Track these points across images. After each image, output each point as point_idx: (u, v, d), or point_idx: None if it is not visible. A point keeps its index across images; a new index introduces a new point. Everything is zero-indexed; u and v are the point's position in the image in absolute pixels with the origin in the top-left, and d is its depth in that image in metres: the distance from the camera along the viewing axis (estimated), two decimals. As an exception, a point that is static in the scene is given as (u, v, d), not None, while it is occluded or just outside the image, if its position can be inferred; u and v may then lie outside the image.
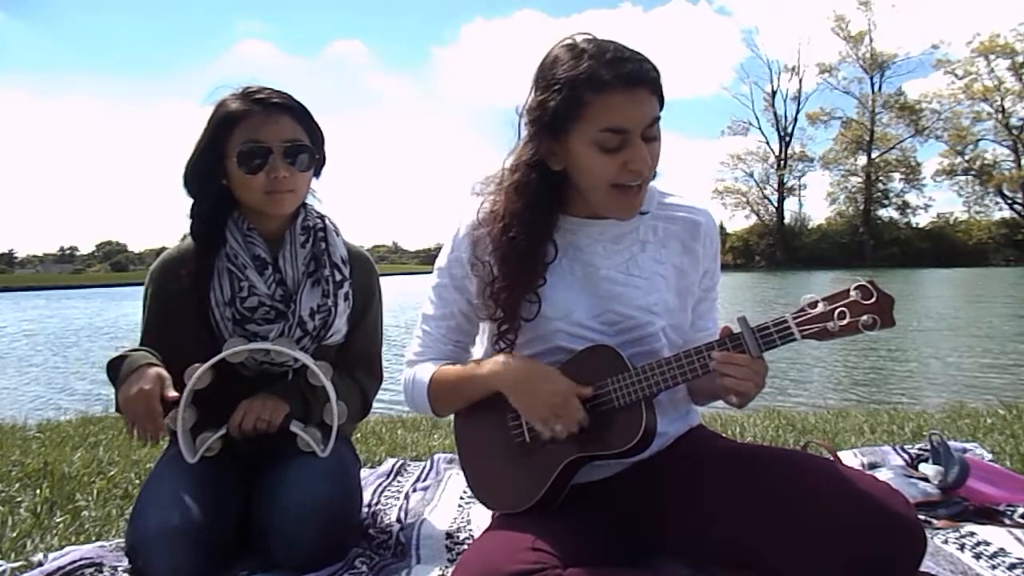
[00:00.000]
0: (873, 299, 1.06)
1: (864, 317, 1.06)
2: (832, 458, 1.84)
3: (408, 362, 1.45)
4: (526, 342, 1.33)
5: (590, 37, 1.21)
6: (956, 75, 44.28)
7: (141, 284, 1.65)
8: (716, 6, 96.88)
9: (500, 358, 1.30)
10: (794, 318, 1.11)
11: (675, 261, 1.33)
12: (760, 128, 50.70)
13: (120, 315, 18.69)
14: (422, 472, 2.22)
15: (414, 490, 2.02)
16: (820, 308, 1.09)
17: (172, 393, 1.37)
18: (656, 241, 1.33)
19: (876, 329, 1.06)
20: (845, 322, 1.07)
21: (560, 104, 1.18)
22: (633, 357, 1.24)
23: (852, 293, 1.08)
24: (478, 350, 1.44)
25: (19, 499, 2.01)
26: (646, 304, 1.30)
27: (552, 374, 1.25)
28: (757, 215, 50.74)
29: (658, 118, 1.20)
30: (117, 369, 1.42)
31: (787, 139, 49.33)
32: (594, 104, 1.16)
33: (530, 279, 1.29)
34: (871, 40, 46.97)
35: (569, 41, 1.22)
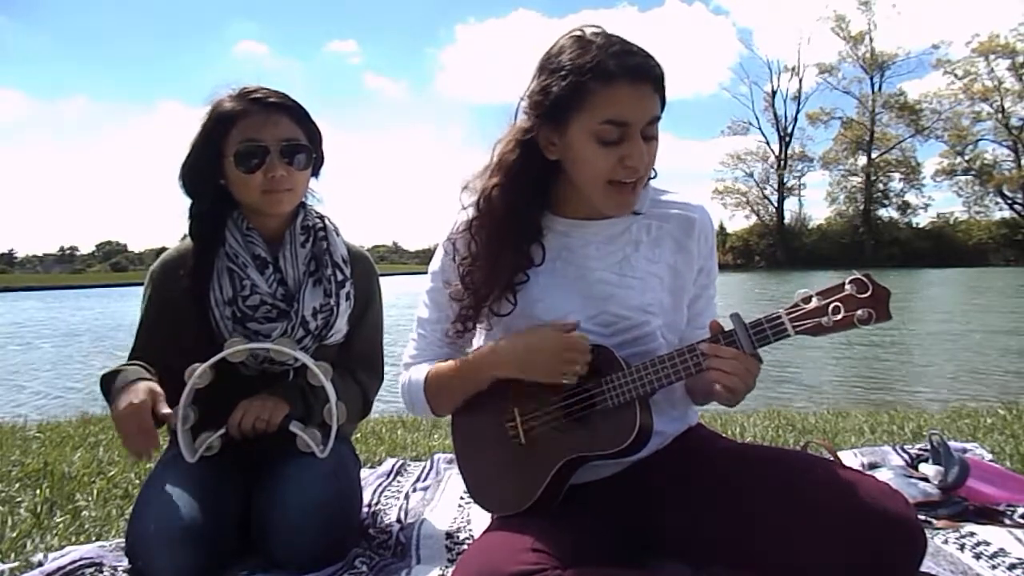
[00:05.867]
0: (868, 292, 1.03)
1: (859, 311, 1.03)
2: (832, 458, 1.84)
3: (404, 365, 1.45)
4: None
5: (598, 29, 1.20)
6: (956, 75, 44.29)
7: (141, 284, 1.65)
8: (712, 6, 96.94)
9: (486, 348, 1.31)
10: (787, 313, 1.09)
11: (669, 260, 1.32)
12: (760, 128, 50.74)
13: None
14: (422, 472, 2.22)
15: (414, 490, 2.02)
16: (814, 303, 1.07)
17: (165, 410, 1.36)
18: (650, 240, 1.31)
19: (872, 323, 1.03)
20: (840, 316, 1.05)
21: (563, 91, 1.17)
22: (630, 357, 1.23)
23: (847, 287, 1.05)
24: None
25: (19, 499, 2.01)
26: (641, 304, 1.29)
27: (535, 330, 1.25)
28: (757, 215, 50.72)
29: (658, 117, 1.19)
30: (111, 384, 1.42)
31: (787, 139, 49.29)
32: (598, 94, 1.15)
33: (505, 265, 1.28)
34: (871, 40, 47.00)
35: (577, 32, 1.21)
